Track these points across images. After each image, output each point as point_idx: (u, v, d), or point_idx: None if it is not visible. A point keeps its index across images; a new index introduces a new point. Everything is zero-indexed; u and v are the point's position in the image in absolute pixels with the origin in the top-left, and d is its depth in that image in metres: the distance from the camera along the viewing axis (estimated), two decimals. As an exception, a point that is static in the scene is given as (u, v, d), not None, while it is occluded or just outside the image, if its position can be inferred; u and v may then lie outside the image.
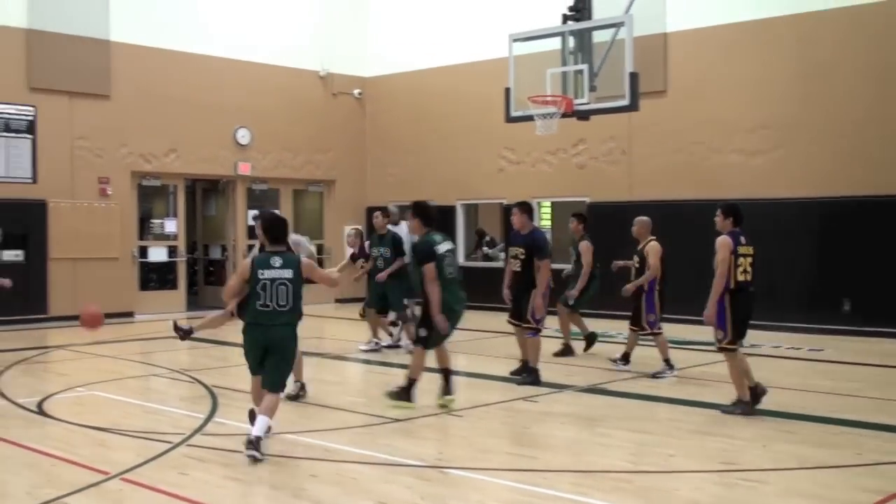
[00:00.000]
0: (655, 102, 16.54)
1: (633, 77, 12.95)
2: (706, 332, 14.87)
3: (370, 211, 21.77)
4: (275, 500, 6.20)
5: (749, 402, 8.84)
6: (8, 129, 16.90)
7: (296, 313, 7.50)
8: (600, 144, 18.10)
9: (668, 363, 11.18)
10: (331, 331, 15.96)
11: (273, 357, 7.40)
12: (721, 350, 9.01)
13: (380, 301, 13.44)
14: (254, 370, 7.59)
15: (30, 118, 17.14)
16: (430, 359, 9.25)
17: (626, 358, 11.53)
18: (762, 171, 16.19)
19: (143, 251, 18.94)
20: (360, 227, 14.71)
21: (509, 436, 8.10)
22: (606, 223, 15.42)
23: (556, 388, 10.39)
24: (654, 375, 11.07)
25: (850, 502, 6.14)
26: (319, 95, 21.58)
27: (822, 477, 6.74)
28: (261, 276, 7.34)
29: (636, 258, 11.42)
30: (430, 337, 9.06)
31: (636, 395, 9.92)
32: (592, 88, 13.56)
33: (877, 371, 11.86)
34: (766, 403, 9.17)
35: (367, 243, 13.87)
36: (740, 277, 8.92)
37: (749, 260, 9.05)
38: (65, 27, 17.38)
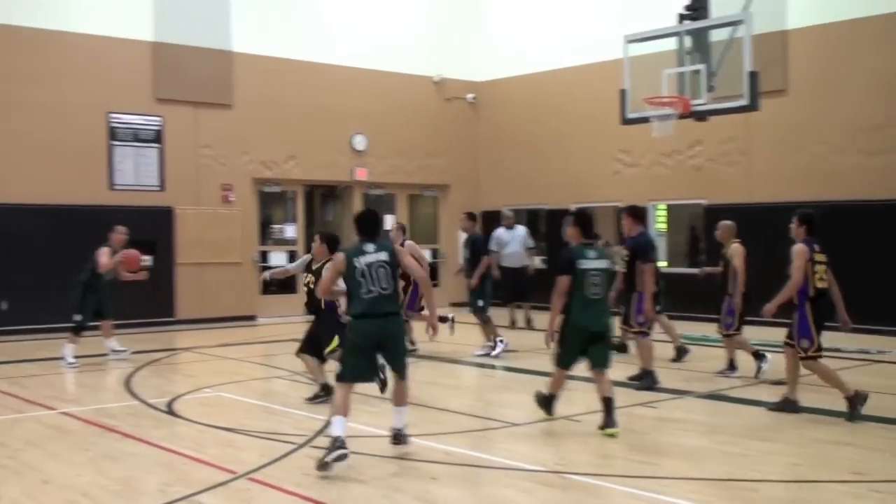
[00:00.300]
0: (775, 101, 16.14)
1: (753, 76, 12.70)
2: (833, 339, 14.50)
3: (484, 215, 21.91)
4: (397, 501, 6.29)
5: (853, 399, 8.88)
6: (137, 138, 17.60)
7: (398, 298, 7.52)
8: (718, 146, 17.78)
9: (732, 364, 11.34)
10: (444, 334, 16.05)
11: (388, 350, 7.43)
12: (806, 359, 8.98)
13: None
14: (359, 374, 7.35)
15: (157, 128, 17.81)
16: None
17: (731, 365, 11.39)
18: (887, 171, 15.64)
19: (264, 256, 19.42)
20: (402, 223, 14.93)
21: (628, 442, 8.03)
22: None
23: (676, 394, 10.25)
24: (721, 373, 11.32)
25: None
26: (433, 100, 21.78)
27: (957, 489, 6.50)
28: (357, 264, 7.26)
29: (721, 262, 11.37)
30: (562, 354, 8.57)
31: (757, 403, 9.70)
32: (710, 88, 13.36)
33: None
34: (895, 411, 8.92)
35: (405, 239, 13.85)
36: (819, 285, 8.98)
37: (823, 267, 9.08)
38: (189, 39, 18.01)
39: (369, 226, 7.48)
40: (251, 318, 18.61)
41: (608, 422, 8.14)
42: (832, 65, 16.37)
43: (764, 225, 16.92)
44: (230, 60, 18.57)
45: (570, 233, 8.56)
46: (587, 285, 8.22)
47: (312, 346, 9.81)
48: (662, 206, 19.22)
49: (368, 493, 6.48)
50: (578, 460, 7.47)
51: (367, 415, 9.27)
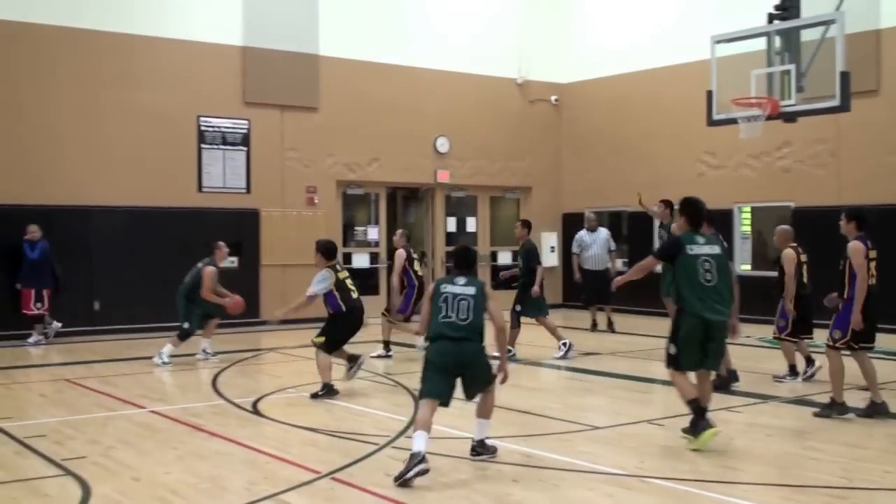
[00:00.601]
0: (867, 102, 15.77)
1: (845, 76, 12.42)
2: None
3: (566, 218, 21.83)
4: (478, 503, 6.31)
5: (843, 403, 8.99)
6: (225, 141, 17.95)
7: (480, 333, 7.36)
8: (806, 147, 17.41)
9: (793, 370, 11.20)
10: (526, 337, 16.02)
11: (467, 376, 7.39)
12: (833, 348, 9.00)
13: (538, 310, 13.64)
14: (436, 392, 7.25)
15: (244, 131, 18.13)
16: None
17: (792, 370, 11.22)
18: None
19: (347, 258, 19.61)
20: (405, 231, 14.79)
21: (713, 446, 7.92)
22: (812, 229, 14.80)
23: (761, 399, 10.08)
24: (775, 378, 11.21)
25: None
26: (516, 102, 21.76)
27: None
28: (443, 291, 7.39)
29: (776, 267, 11.32)
30: (679, 355, 7.91)
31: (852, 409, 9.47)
32: (800, 89, 13.11)
33: None
34: None
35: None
36: (870, 281, 8.92)
37: (874, 263, 9.03)
38: (277, 43, 18.31)
39: (463, 261, 7.78)
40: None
41: (704, 424, 7.71)
42: (927, 63, 15.91)
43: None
44: (316, 64, 18.82)
45: (680, 223, 8.07)
46: (697, 271, 7.76)
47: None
48: (747, 208, 18.88)
49: (449, 495, 6.50)
50: (661, 465, 7.38)
51: (449, 416, 9.30)
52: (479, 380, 7.41)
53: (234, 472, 7.34)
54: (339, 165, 19.30)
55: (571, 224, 21.87)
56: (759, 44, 13.67)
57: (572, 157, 22.23)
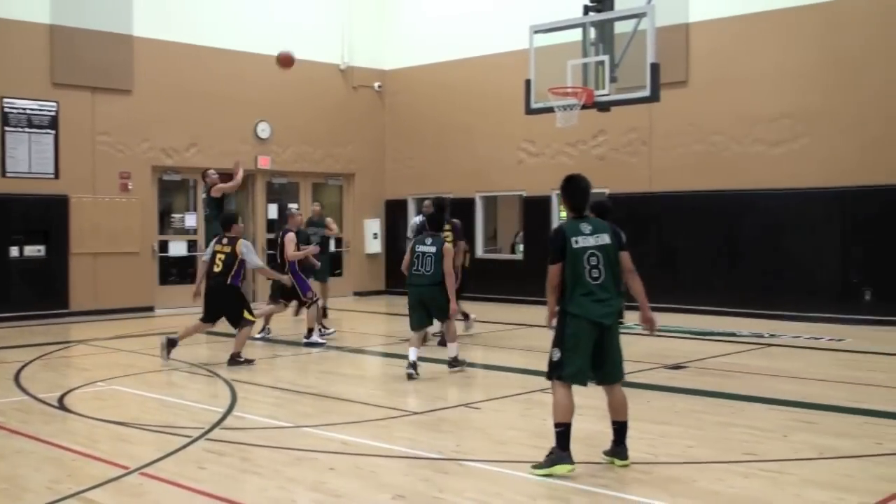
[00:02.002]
0: (677, 93, 16.47)
1: (655, 68, 12.87)
2: (728, 324, 14.84)
3: (389, 204, 21.87)
4: (293, 493, 6.20)
5: None
6: (31, 124, 17.03)
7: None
8: (620, 136, 18.02)
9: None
10: (349, 324, 15.96)
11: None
12: None
13: None
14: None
15: (52, 114, 17.25)
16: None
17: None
18: (784, 161, 16.08)
19: (164, 245, 19.02)
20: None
21: (527, 428, 8.06)
22: (627, 214, 15.34)
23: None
24: None
25: (870, 492, 6.08)
26: (340, 89, 21.61)
27: (841, 467, 6.68)
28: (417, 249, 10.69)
29: None
30: (562, 362, 6.61)
31: (656, 387, 9.86)
32: (613, 79, 13.50)
33: (900, 362, 11.78)
34: (787, 393, 9.18)
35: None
36: None
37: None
38: (88, 23, 17.48)
39: (432, 223, 11.14)
40: (149, 308, 18.20)
41: (620, 452, 6.78)
42: (732, 57, 16.73)
43: (663, 213, 17.29)
44: (130, 44, 18.10)
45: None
46: (582, 268, 6.57)
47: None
48: (566, 195, 19.37)
49: (264, 485, 6.37)
50: (477, 447, 7.46)
51: (266, 406, 9.16)
52: (440, 313, 10.68)
53: (36, 471, 6.93)
54: (155, 150, 18.66)
55: (394, 210, 21.98)
56: (576, 35, 14.01)
57: (395, 143, 22.28)
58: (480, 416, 8.67)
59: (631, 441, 6.88)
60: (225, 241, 11.62)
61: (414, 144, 21.75)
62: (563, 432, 6.50)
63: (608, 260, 6.63)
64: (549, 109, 13.88)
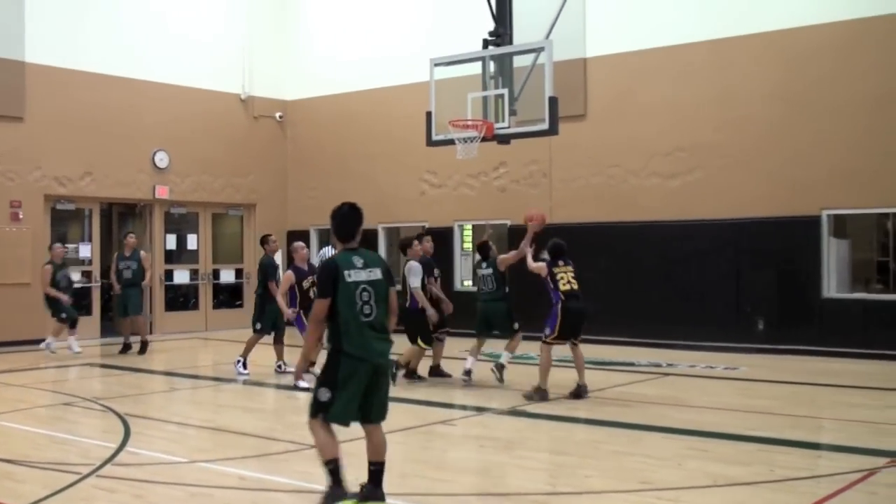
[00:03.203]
0: (575, 126, 16.75)
1: (553, 101, 13.05)
2: (627, 354, 15.06)
3: (290, 234, 21.68)
4: (186, 530, 6.05)
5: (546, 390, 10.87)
6: (-86, 151, 16.41)
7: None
8: (521, 168, 18.24)
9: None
10: (251, 356, 15.74)
11: None
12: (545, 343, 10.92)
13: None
14: None
15: (-62, 140, 16.67)
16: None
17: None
18: (679, 193, 16.48)
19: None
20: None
21: (427, 460, 8.03)
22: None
23: (475, 412, 10.37)
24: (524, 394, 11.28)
25: (762, 520, 6.21)
26: (240, 118, 21.40)
27: (734, 494, 6.81)
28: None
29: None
30: (332, 403, 6.19)
31: (556, 417, 9.94)
32: (513, 113, 13.64)
33: (789, 388, 12.10)
34: (683, 422, 9.35)
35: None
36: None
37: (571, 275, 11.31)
38: (-24, 47, 16.99)
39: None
40: (41, 341, 17.59)
41: (339, 493, 6.27)
42: (628, 91, 17.11)
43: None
44: (22, 70, 17.61)
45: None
46: (353, 303, 6.20)
47: None
48: (468, 226, 19.53)
49: (156, 523, 6.20)
50: (377, 480, 7.37)
51: (161, 441, 8.94)
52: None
53: (-87, 514, 6.64)
54: (48, 179, 18.15)
55: (296, 240, 21.74)
56: (476, 68, 14.13)
57: (297, 173, 22.14)
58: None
59: (532, 472, 6.91)
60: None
61: (316, 175, 21.64)
62: (335, 469, 6.24)
63: (379, 296, 6.28)
64: (450, 141, 13.95)
